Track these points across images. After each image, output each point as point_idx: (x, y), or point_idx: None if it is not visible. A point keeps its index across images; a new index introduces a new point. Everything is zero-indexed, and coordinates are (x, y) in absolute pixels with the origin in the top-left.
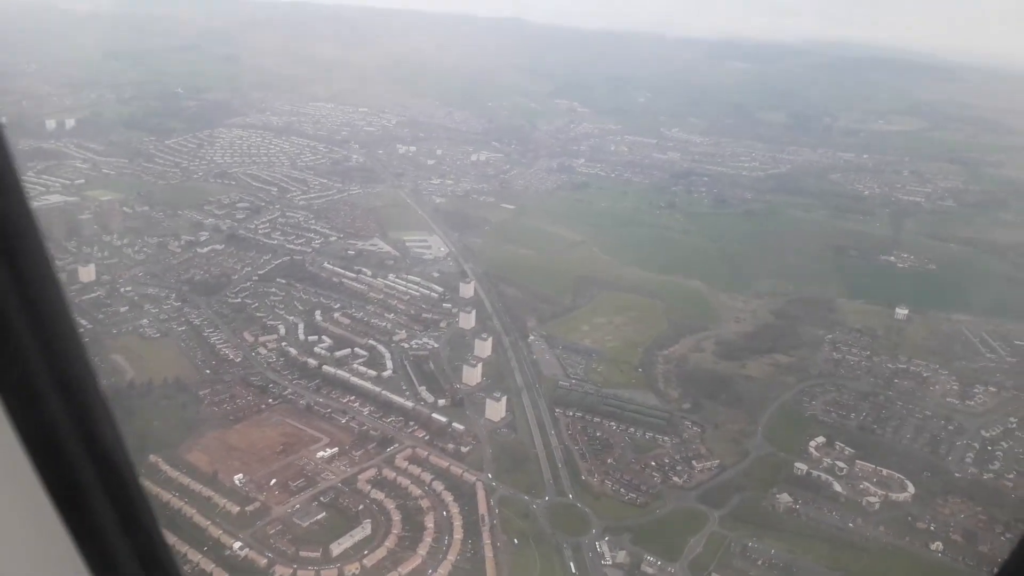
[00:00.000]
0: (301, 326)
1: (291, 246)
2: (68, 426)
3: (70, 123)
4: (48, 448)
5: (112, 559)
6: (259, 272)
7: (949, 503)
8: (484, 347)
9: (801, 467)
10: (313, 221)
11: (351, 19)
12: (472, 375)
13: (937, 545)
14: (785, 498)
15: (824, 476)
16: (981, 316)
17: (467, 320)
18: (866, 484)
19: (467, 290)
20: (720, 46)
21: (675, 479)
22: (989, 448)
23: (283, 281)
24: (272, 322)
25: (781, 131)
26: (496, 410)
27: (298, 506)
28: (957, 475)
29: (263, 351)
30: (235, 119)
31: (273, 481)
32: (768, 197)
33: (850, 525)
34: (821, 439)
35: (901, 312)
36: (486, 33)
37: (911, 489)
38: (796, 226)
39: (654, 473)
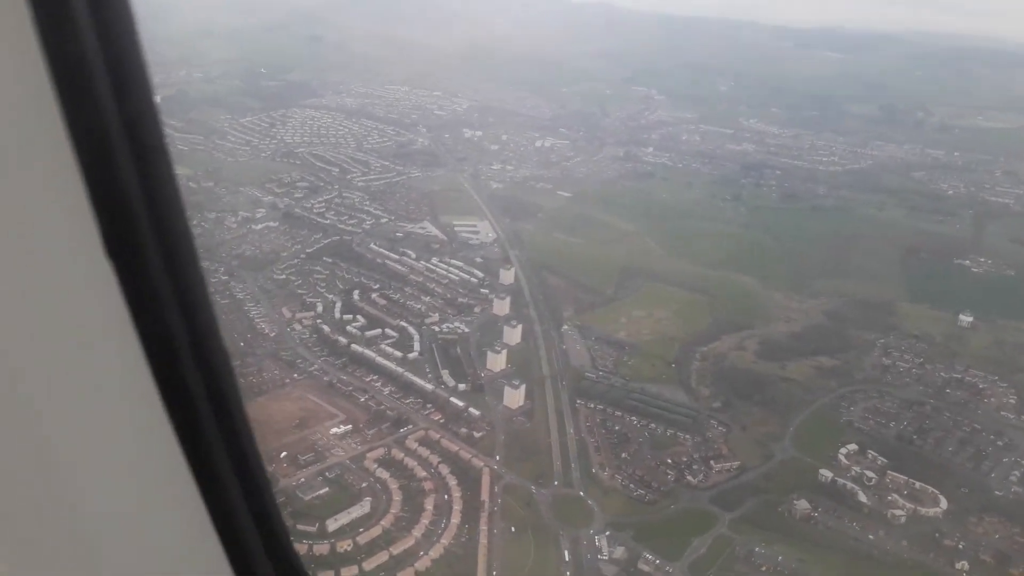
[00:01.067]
0: (339, 304)
1: (343, 226)
2: (215, 429)
3: (156, 101)
4: (202, 452)
5: (252, 560)
6: (308, 250)
7: (984, 522)
8: (513, 334)
9: (826, 474)
10: (368, 202)
11: (440, 2)
12: (496, 361)
13: (963, 564)
14: (803, 505)
15: (850, 485)
16: None
17: (501, 306)
18: (895, 496)
19: (507, 276)
20: (814, 34)
21: (690, 478)
22: None
23: (329, 260)
24: (312, 299)
25: (868, 124)
26: (514, 398)
27: (303, 480)
28: (998, 493)
29: (298, 327)
30: (312, 100)
31: (284, 454)
32: (841, 193)
33: (870, 537)
34: (853, 447)
35: (965, 319)
36: (572, 18)
37: (944, 504)
38: (866, 225)
39: (669, 471)
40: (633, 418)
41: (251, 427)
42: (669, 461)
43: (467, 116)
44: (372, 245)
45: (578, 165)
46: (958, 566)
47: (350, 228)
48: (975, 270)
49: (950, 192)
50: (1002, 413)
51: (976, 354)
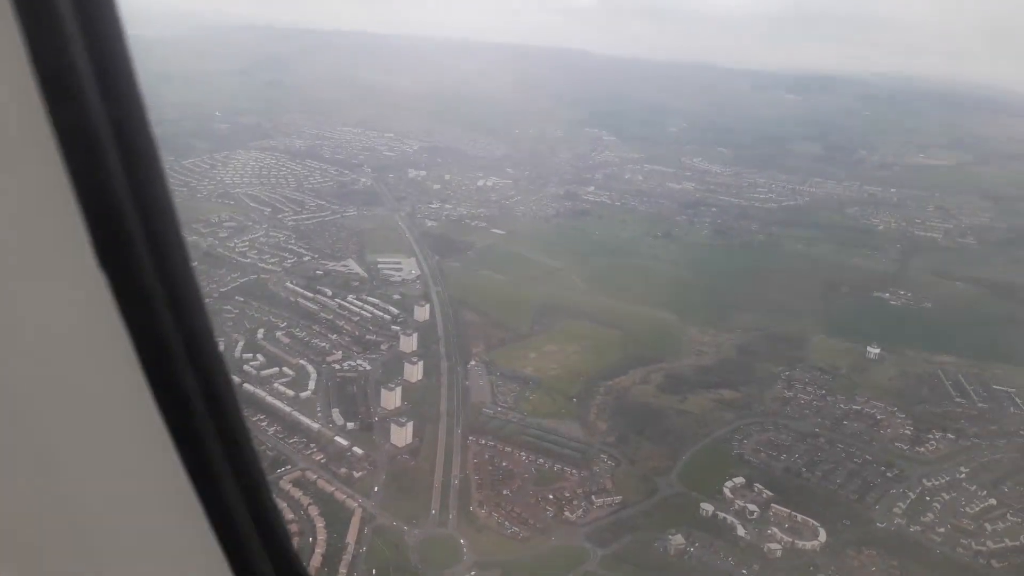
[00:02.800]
0: (240, 343)
1: (263, 265)
2: (212, 431)
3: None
4: (198, 455)
5: (251, 560)
6: (221, 289)
7: (862, 554)
8: (414, 371)
9: (708, 508)
10: (294, 241)
11: (402, 48)
12: (390, 399)
13: None
14: (678, 540)
15: (730, 519)
16: (967, 358)
17: (408, 343)
18: (774, 530)
19: (422, 313)
20: (773, 76)
21: (568, 514)
22: (927, 499)
23: (241, 299)
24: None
25: (811, 163)
26: (401, 435)
27: None
28: (880, 525)
29: None
30: (261, 141)
31: None
32: (773, 229)
33: (743, 572)
34: (740, 480)
35: (873, 351)
36: (538, 63)
37: (823, 537)
38: (793, 260)
39: (548, 507)
40: (523, 454)
41: (248, 428)
42: (551, 497)
43: (416, 157)
44: (288, 283)
45: (517, 204)
46: None
47: (270, 267)
48: (893, 303)
49: (880, 227)
50: (896, 444)
51: (879, 386)
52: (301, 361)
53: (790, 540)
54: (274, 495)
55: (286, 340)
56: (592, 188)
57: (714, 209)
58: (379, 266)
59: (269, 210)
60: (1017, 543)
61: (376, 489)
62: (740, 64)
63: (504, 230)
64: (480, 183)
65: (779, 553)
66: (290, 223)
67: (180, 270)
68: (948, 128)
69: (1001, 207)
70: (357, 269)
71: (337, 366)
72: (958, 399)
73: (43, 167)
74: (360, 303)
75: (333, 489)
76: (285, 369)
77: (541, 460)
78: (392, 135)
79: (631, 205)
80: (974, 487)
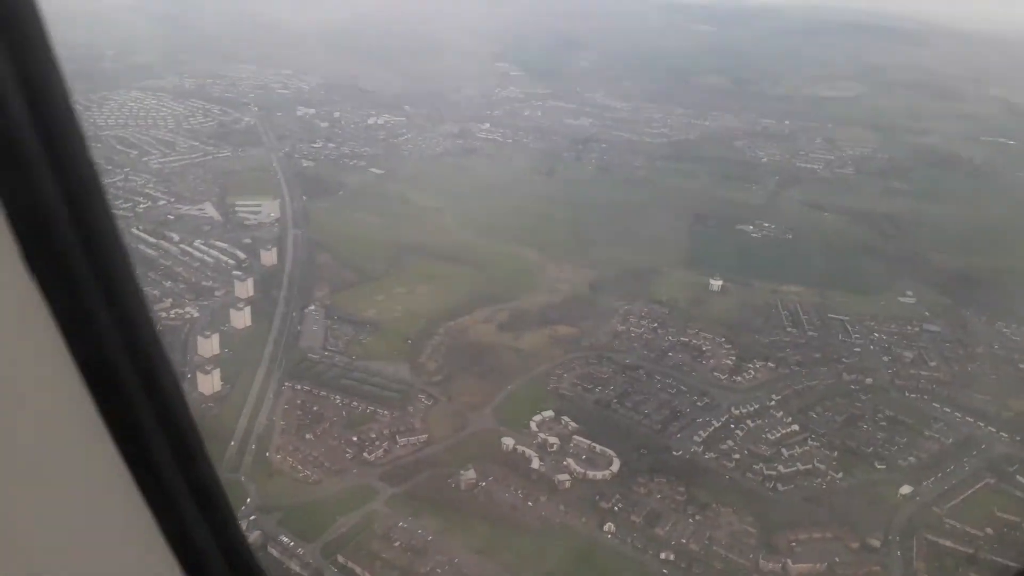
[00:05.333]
0: None
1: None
2: (156, 426)
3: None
4: (139, 447)
5: (202, 558)
6: None
7: (652, 483)
8: (240, 317)
9: (508, 442)
10: (152, 185)
11: None
12: (207, 346)
13: (609, 526)
14: (470, 475)
15: (528, 452)
16: (813, 288)
17: (244, 289)
18: (570, 461)
19: (268, 257)
20: (686, 7)
21: (367, 455)
22: (731, 427)
23: None
24: None
25: (713, 96)
26: (208, 383)
27: None
28: (676, 453)
29: None
30: (147, 81)
31: None
32: (658, 164)
33: (529, 504)
34: (549, 414)
35: (715, 283)
36: None
37: (615, 467)
38: (669, 194)
39: (348, 449)
40: (339, 398)
41: (202, 440)
42: (355, 439)
43: (310, 94)
44: (133, 230)
45: (406, 142)
46: (604, 528)
47: (119, 213)
48: (754, 235)
49: (764, 159)
50: (714, 374)
51: (714, 317)
52: None
53: (582, 471)
54: (228, 495)
55: None
56: (487, 125)
57: (604, 145)
58: (236, 209)
59: (135, 153)
60: (809, 466)
61: None
62: None
63: (384, 169)
64: (371, 121)
65: (568, 484)
66: (154, 166)
67: (120, 276)
68: (853, 59)
69: (886, 137)
70: (212, 213)
71: (164, 315)
72: (790, 328)
73: None
74: (205, 248)
75: None
76: None
77: (356, 403)
78: (289, 72)
79: (524, 142)
80: (780, 414)
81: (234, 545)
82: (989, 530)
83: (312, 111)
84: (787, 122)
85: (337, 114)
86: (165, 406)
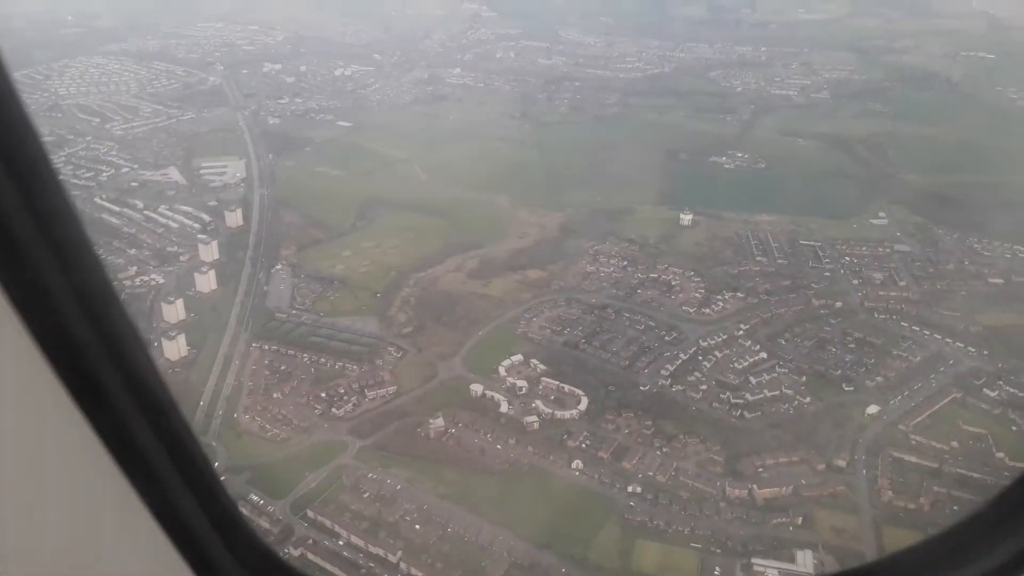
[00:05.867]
0: None
1: (75, 181)
2: (148, 429)
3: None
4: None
5: (213, 560)
6: None
7: (620, 419)
8: (205, 281)
9: (476, 388)
10: (115, 152)
11: None
12: (172, 312)
13: (576, 464)
14: (439, 423)
15: (498, 397)
16: (785, 216)
17: (208, 252)
18: (538, 403)
19: (233, 219)
20: None
21: (335, 411)
22: (699, 358)
23: None
24: None
25: (690, 27)
26: (174, 348)
27: None
28: (643, 388)
29: None
30: (112, 45)
31: None
32: (631, 100)
33: (497, 447)
34: (518, 358)
35: (686, 217)
36: None
37: (583, 405)
38: (642, 131)
39: (317, 406)
40: (307, 356)
41: (187, 421)
42: (323, 396)
43: (277, 49)
44: (96, 199)
45: (374, 92)
46: (572, 466)
47: (82, 183)
48: (727, 166)
49: (739, 89)
50: (683, 308)
51: (684, 251)
52: None
53: (550, 412)
54: (227, 489)
55: None
56: (458, 70)
57: (577, 83)
58: (202, 172)
59: (97, 120)
60: (776, 392)
61: None
62: None
63: (351, 122)
64: (339, 72)
65: (536, 425)
66: (117, 133)
67: (82, 258)
68: None
69: (865, 59)
70: (177, 177)
71: (128, 283)
72: (759, 258)
73: None
74: (170, 213)
75: None
76: None
77: (324, 360)
78: (257, 27)
79: (495, 86)
80: (748, 343)
81: (221, 510)
82: (955, 443)
83: (279, 67)
84: (764, 48)
85: (304, 68)
86: (132, 374)
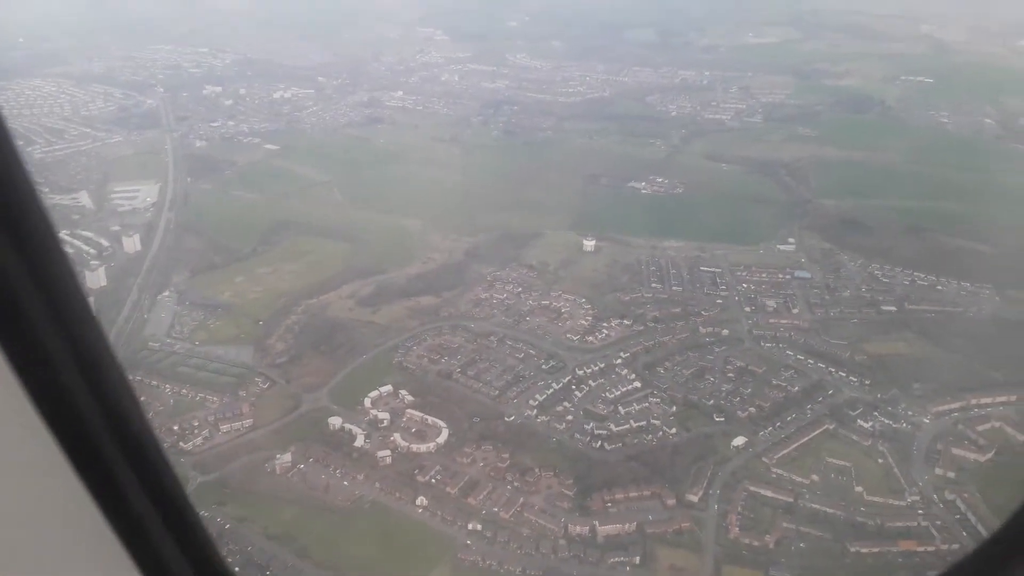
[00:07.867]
0: None
1: None
2: (103, 423)
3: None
4: (88, 449)
5: (163, 560)
6: None
7: (477, 451)
8: None
9: (335, 422)
10: None
11: None
12: None
13: (420, 500)
14: (286, 458)
15: (355, 430)
16: (692, 241)
17: (94, 279)
18: (396, 436)
19: (131, 244)
20: None
21: (183, 445)
22: (572, 387)
23: None
24: None
25: (638, 51)
26: None
27: None
28: (508, 419)
29: None
30: (54, 68)
31: None
32: (565, 125)
33: (344, 483)
34: (387, 388)
35: (588, 243)
36: None
37: (443, 438)
38: (569, 155)
39: (167, 439)
40: (170, 386)
41: (152, 429)
42: (175, 428)
43: (223, 71)
44: None
45: (310, 115)
46: (417, 502)
47: None
48: (644, 192)
49: (674, 113)
50: (567, 336)
51: (580, 278)
52: None
53: (407, 445)
54: (189, 498)
55: None
56: (400, 93)
57: (515, 107)
58: (112, 196)
59: (19, 144)
60: (643, 423)
61: None
62: None
63: (279, 145)
64: (277, 95)
65: (389, 460)
66: (37, 155)
67: (54, 266)
68: (788, 5)
69: (804, 83)
70: (86, 202)
71: None
72: (654, 284)
73: None
74: (68, 239)
75: None
76: None
77: (185, 391)
78: (207, 50)
79: (433, 109)
80: (625, 372)
81: (180, 517)
82: (815, 477)
83: (219, 89)
84: (707, 73)
85: (243, 91)
86: (95, 380)
